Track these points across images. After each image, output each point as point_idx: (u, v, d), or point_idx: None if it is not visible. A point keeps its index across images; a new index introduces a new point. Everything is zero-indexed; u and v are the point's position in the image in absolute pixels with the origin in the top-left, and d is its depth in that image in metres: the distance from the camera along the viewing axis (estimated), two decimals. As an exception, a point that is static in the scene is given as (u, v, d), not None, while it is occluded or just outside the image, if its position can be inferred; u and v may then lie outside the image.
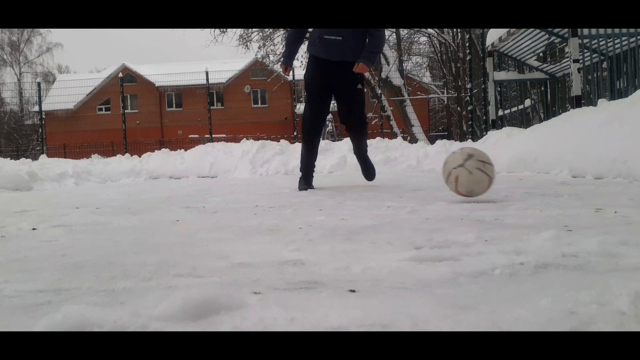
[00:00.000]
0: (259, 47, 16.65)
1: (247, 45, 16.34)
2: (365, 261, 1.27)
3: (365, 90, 4.14)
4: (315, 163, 4.20)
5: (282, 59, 4.13)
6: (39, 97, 13.93)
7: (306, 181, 4.07)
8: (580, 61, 6.89)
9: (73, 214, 2.76)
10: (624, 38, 7.25)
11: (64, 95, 25.30)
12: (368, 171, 4.29)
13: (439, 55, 22.57)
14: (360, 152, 4.26)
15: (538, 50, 9.87)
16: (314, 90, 3.99)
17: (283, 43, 16.76)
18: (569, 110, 6.40)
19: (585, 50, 7.73)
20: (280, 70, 4.65)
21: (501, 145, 6.26)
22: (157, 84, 30.54)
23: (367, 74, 4.16)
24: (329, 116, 18.99)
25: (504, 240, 1.47)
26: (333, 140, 11.27)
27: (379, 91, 14.01)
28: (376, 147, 8.91)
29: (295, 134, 14.65)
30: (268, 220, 2.18)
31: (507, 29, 8.42)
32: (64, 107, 27.65)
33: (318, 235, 1.70)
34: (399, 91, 14.34)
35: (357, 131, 4.18)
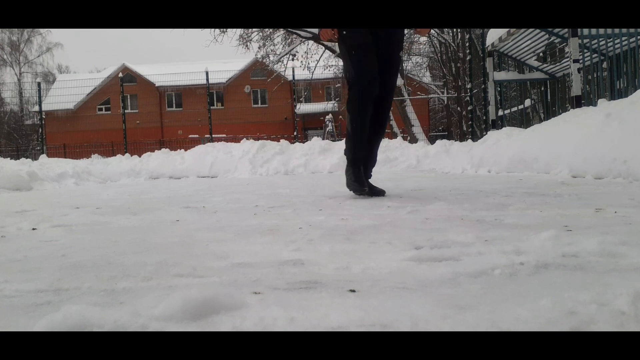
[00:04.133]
0: (259, 47, 16.68)
1: (247, 45, 16.37)
2: (365, 261, 1.27)
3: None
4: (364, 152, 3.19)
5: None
6: (39, 97, 13.95)
7: (356, 177, 3.05)
8: (580, 61, 6.89)
9: (73, 214, 2.76)
10: (624, 38, 7.25)
11: (64, 95, 25.33)
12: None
13: (439, 55, 22.57)
14: (370, 162, 3.39)
15: (538, 50, 9.87)
16: (363, 44, 3.06)
17: (283, 43, 16.79)
18: (569, 110, 6.40)
19: (585, 50, 7.73)
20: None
21: (501, 145, 6.26)
22: (157, 84, 30.53)
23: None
24: (329, 116, 19.01)
25: (504, 240, 1.47)
26: (333, 140, 11.28)
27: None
28: (376, 147, 8.90)
29: (295, 133, 14.66)
30: (268, 220, 2.18)
31: (507, 29, 8.42)
32: (64, 107, 27.68)
33: (318, 235, 1.70)
34: (399, 91, 14.35)
35: (387, 107, 3.27)
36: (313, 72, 17.44)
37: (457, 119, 22.54)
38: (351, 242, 1.56)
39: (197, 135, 21.05)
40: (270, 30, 15.90)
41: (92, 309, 0.85)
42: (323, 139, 10.43)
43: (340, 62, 17.78)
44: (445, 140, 9.38)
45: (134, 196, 4.24)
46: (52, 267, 1.36)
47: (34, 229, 2.17)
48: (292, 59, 16.73)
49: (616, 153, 3.92)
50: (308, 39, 15.08)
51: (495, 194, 3.04)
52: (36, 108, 18.55)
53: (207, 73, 13.26)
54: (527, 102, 10.92)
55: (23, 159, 8.93)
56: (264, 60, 17.61)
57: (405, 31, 3.98)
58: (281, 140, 9.62)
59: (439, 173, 6.67)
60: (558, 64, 9.76)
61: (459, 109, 21.01)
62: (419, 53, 23.97)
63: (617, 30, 7.00)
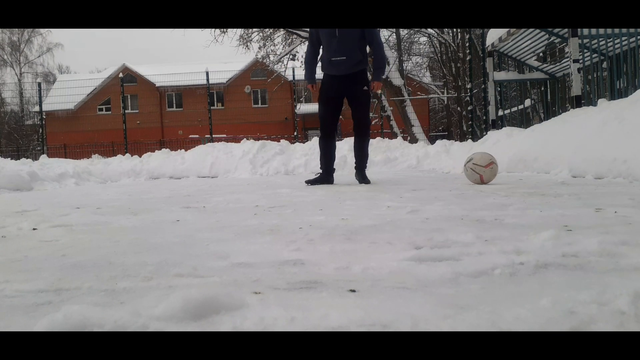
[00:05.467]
0: (259, 48, 16.66)
1: (247, 46, 16.35)
2: (365, 261, 1.27)
3: (370, 93, 4.74)
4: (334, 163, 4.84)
5: (306, 80, 4.89)
6: (40, 97, 13.96)
7: (325, 176, 4.77)
8: (580, 61, 6.89)
9: (73, 214, 2.77)
10: (624, 38, 7.25)
11: (65, 96, 25.29)
12: (363, 180, 4.69)
13: (439, 55, 22.57)
14: (361, 165, 4.74)
15: (538, 50, 9.87)
16: (325, 101, 4.69)
17: (283, 43, 16.80)
18: (569, 110, 6.40)
19: (585, 50, 7.73)
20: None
21: (501, 145, 6.26)
22: (157, 84, 30.51)
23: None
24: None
25: (504, 240, 1.47)
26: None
27: (379, 91, 14.02)
28: (376, 147, 8.91)
29: (295, 134, 14.66)
30: (268, 220, 2.18)
31: (507, 29, 8.42)
32: (64, 107, 27.63)
33: (318, 235, 1.70)
34: (399, 91, 14.33)
35: (363, 131, 4.70)
36: (313, 72, 17.43)
37: (457, 119, 22.53)
38: (351, 242, 1.56)
39: (197, 136, 21.02)
40: (271, 30, 15.90)
41: (93, 309, 0.86)
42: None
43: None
44: (445, 140, 9.39)
45: (135, 196, 4.24)
46: (53, 267, 1.37)
47: (34, 229, 2.17)
48: (292, 59, 16.74)
49: (616, 153, 3.92)
50: (308, 39, 15.08)
51: (495, 194, 3.04)
52: (36, 108, 18.55)
53: (207, 73, 13.26)
54: (527, 102, 10.92)
55: (24, 159, 8.93)
56: (264, 61, 17.60)
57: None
58: (281, 141, 9.62)
59: (439, 173, 6.67)
60: (558, 64, 9.77)
61: (459, 109, 21.01)
62: (419, 53, 23.95)
63: (617, 30, 7.00)
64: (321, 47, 4.68)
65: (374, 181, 4.80)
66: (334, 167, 4.85)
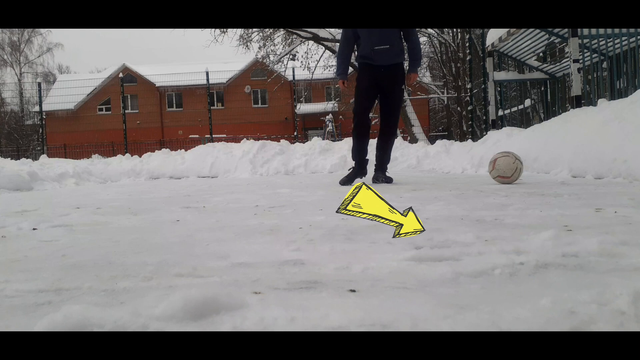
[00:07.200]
0: (259, 48, 16.68)
1: (247, 46, 16.37)
2: (365, 261, 1.27)
3: (405, 91, 4.68)
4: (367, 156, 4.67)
5: (337, 75, 4.71)
6: (40, 97, 13.98)
7: (358, 170, 4.60)
8: (580, 61, 6.89)
9: (73, 214, 2.77)
10: (624, 38, 7.25)
11: (65, 96, 25.33)
12: (385, 180, 4.59)
13: (439, 55, 22.56)
14: (382, 166, 4.65)
15: (538, 50, 9.87)
16: (364, 90, 4.54)
17: (283, 43, 16.79)
18: (569, 110, 6.40)
19: (585, 50, 7.73)
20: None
21: (501, 145, 6.25)
22: (157, 84, 30.53)
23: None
24: (329, 116, 19.04)
25: (504, 240, 1.47)
26: (333, 140, 11.27)
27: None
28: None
29: (295, 134, 14.66)
30: (268, 220, 2.18)
31: (507, 29, 8.42)
32: (64, 107, 27.66)
33: (318, 235, 1.70)
34: (399, 91, 14.32)
35: (391, 130, 4.67)
36: (313, 72, 17.46)
37: (457, 119, 22.52)
38: (351, 242, 1.56)
39: (197, 136, 21.01)
40: (270, 30, 15.90)
41: (93, 309, 0.86)
42: (323, 139, 10.44)
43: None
44: (445, 140, 9.39)
45: (135, 196, 4.24)
46: (53, 267, 1.37)
47: (34, 229, 2.17)
48: (292, 59, 16.75)
49: (616, 153, 3.92)
50: (308, 39, 15.08)
51: (495, 194, 3.04)
52: (37, 108, 18.55)
53: (207, 73, 13.27)
54: (527, 102, 10.92)
55: (24, 159, 8.93)
56: (264, 61, 17.62)
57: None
58: (281, 141, 9.63)
59: (439, 173, 6.67)
60: (558, 64, 9.76)
61: (459, 109, 21.00)
62: (419, 53, 23.87)
63: (617, 30, 7.00)
64: (356, 43, 4.56)
65: (375, 182, 4.79)
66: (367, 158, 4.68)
